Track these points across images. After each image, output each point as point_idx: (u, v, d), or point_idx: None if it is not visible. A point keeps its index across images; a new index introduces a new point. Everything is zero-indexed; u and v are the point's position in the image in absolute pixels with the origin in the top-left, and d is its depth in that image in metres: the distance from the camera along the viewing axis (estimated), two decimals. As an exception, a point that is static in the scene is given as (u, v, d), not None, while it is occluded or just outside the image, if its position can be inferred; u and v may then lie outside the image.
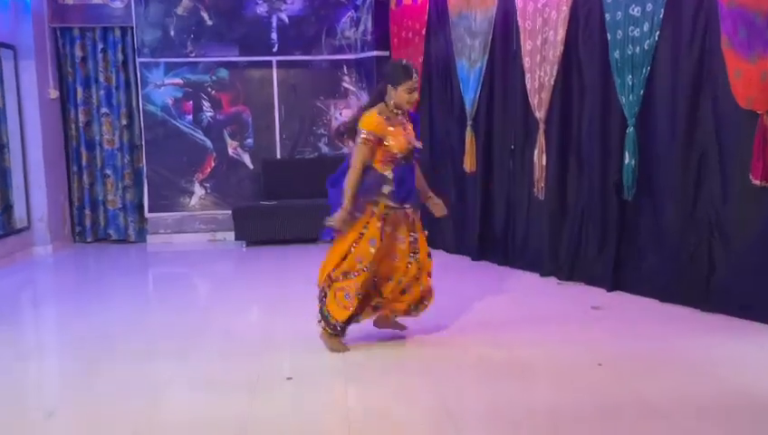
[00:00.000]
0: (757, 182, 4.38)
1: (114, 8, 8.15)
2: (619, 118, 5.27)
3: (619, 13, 5.18)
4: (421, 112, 7.46)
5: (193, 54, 8.27)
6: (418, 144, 4.15)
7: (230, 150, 8.46)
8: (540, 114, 5.87)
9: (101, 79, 8.31)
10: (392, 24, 7.80)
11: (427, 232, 4.40)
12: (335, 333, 4.17)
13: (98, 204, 8.48)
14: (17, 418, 3.50)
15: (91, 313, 5.37)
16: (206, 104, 8.37)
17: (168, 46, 8.21)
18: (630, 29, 5.10)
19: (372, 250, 4.01)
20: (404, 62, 4.22)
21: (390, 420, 3.33)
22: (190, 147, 8.37)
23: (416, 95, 4.11)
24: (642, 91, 5.06)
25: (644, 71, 5.03)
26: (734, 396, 3.45)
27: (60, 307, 5.80)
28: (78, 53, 8.24)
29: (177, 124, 8.34)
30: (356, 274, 4.04)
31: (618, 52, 5.20)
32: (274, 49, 8.36)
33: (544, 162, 5.89)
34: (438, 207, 4.41)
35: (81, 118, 8.33)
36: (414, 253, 4.20)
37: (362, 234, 4.02)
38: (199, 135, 8.39)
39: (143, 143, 8.34)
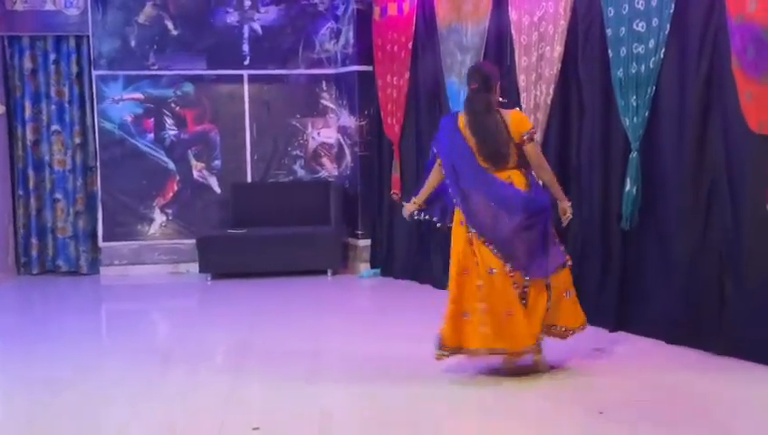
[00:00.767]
0: (772, 212, 4.44)
1: (69, 15, 8.20)
2: (622, 142, 5.34)
3: (623, 28, 5.27)
4: (408, 134, 7.58)
5: (155, 67, 8.31)
6: None
7: (195, 173, 8.48)
8: (536, 137, 5.93)
9: (53, 93, 8.32)
10: (376, 37, 7.89)
11: None
12: None
13: (46, 231, 8.45)
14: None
15: (36, 355, 5.33)
16: (169, 122, 8.40)
17: (127, 58, 8.24)
18: (634, 46, 5.19)
19: None
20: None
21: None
22: (151, 169, 8.38)
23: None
24: (647, 113, 5.13)
25: (649, 90, 5.11)
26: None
27: (2, 349, 5.76)
28: (27, 64, 8.26)
29: (137, 144, 8.36)
30: None
31: (621, 70, 5.28)
32: (246, 62, 8.42)
33: (541, 189, 5.95)
34: None
35: (30, 136, 8.33)
36: None
37: None
38: (161, 156, 8.40)
39: (98, 164, 8.32)
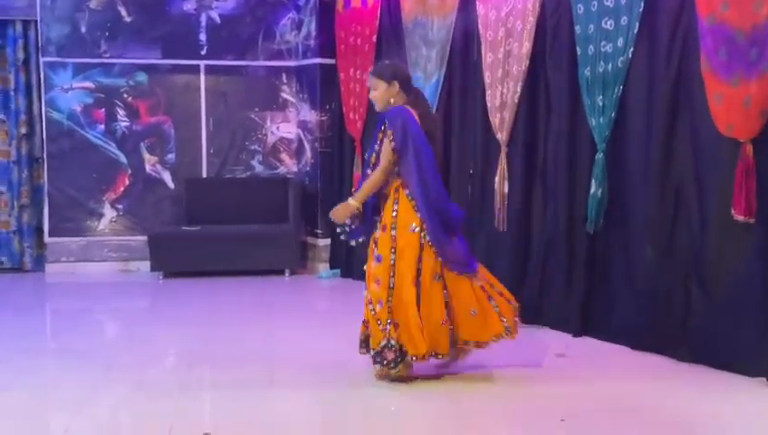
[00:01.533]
0: (740, 217, 4.45)
1: (15, -2, 8.08)
2: (589, 142, 5.37)
3: (591, 26, 5.29)
4: (371, 130, 7.52)
5: (107, 55, 8.21)
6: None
7: (148, 167, 8.39)
8: (502, 136, 5.96)
9: (-3, 80, 8.19)
10: (338, 29, 7.86)
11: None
12: None
13: (-12, 226, 8.32)
14: None
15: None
16: (121, 113, 8.30)
17: (78, 44, 8.14)
18: (602, 44, 5.22)
19: None
20: None
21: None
22: (101, 162, 8.28)
23: (370, 95, 4.56)
24: (613, 114, 5.17)
25: (616, 90, 5.14)
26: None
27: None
28: (-31, 49, 8.13)
29: (87, 135, 8.25)
30: None
31: (588, 68, 5.32)
32: (203, 52, 8.36)
33: (506, 190, 5.97)
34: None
35: (-28, 125, 8.20)
36: None
37: None
38: (112, 148, 8.30)
39: (45, 156, 8.22)
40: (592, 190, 5.28)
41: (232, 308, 6.73)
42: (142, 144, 8.36)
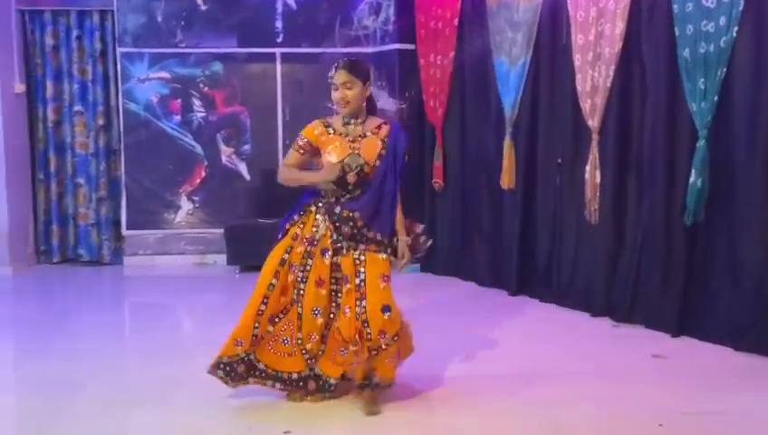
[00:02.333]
0: None
1: (92, -11, 8.29)
2: (689, 129, 5.25)
3: (690, 4, 5.17)
4: (452, 118, 7.51)
5: (183, 44, 8.35)
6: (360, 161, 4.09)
7: (224, 158, 8.51)
8: (593, 122, 5.87)
9: (75, 71, 8.41)
10: (418, 13, 7.84)
11: None
12: None
13: (67, 218, 8.56)
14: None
15: (54, 351, 5.38)
16: (197, 103, 8.44)
17: (154, 34, 8.30)
18: (703, 23, 5.09)
19: None
20: None
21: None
22: (177, 153, 8.44)
23: (339, 94, 4.07)
24: (716, 98, 5.03)
25: (719, 73, 5.00)
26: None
27: (17, 344, 5.82)
28: (49, 40, 8.36)
29: (163, 126, 8.41)
30: None
31: (687, 50, 5.19)
32: (279, 39, 8.42)
33: (598, 180, 5.89)
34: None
35: (51, 116, 8.44)
36: None
37: None
38: (188, 139, 8.45)
39: (122, 148, 8.41)
40: (692, 180, 5.15)
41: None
42: (218, 135, 8.48)
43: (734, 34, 4.92)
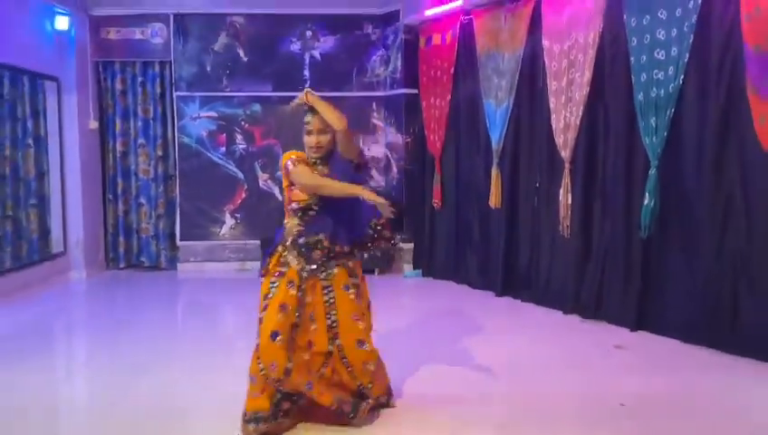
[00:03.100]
0: (783, 226, 4.33)
1: (154, 44, 8.32)
2: (643, 159, 5.23)
3: (644, 57, 5.18)
4: (448, 150, 7.52)
5: (228, 89, 8.39)
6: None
7: (261, 182, 8.53)
8: (565, 153, 5.86)
9: (139, 111, 8.44)
10: (421, 64, 7.85)
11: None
12: None
13: (131, 231, 8.57)
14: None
15: (122, 341, 5.41)
16: (238, 137, 8.46)
17: (204, 81, 8.34)
18: (655, 72, 5.10)
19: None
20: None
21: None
22: (222, 178, 8.46)
23: (315, 139, 3.50)
24: (666, 133, 5.02)
25: (668, 113, 5.00)
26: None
27: (91, 336, 5.84)
28: (118, 86, 8.40)
29: (211, 156, 8.44)
30: None
31: (642, 94, 5.19)
32: (306, 85, 8.44)
33: (569, 201, 5.86)
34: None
35: (119, 148, 8.46)
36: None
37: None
38: (231, 167, 8.48)
39: (177, 174, 8.44)
40: (646, 202, 5.13)
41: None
42: (256, 163, 8.50)
43: (681, 82, 4.93)
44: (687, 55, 4.86)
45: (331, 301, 3.50)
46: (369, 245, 3.65)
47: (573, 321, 5.76)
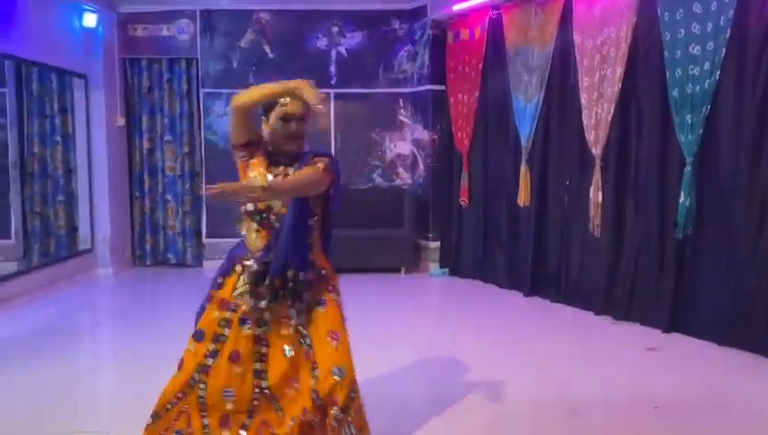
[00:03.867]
0: (823, 225, 4.25)
1: (181, 40, 8.38)
2: (678, 156, 5.19)
3: (678, 51, 5.12)
4: (476, 147, 7.48)
5: (254, 85, 8.40)
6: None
7: (286, 179, 8.54)
8: (596, 150, 5.81)
9: (166, 108, 8.49)
10: (449, 59, 7.83)
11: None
12: None
13: (158, 228, 8.64)
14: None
15: (147, 335, 5.45)
16: (264, 134, 8.49)
17: (230, 77, 8.38)
18: (690, 67, 5.04)
19: None
20: None
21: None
22: (248, 175, 8.48)
23: (293, 126, 2.77)
24: (701, 131, 4.97)
25: (704, 109, 4.95)
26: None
27: (117, 330, 5.91)
28: (145, 83, 8.46)
29: (237, 153, 8.46)
30: None
31: (677, 90, 5.14)
32: (333, 81, 8.47)
33: (600, 199, 5.82)
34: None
35: (146, 145, 8.53)
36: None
37: None
38: (257, 164, 8.49)
39: (203, 171, 8.48)
40: (681, 200, 5.08)
41: (356, 300, 6.74)
42: (282, 160, 8.50)
43: (717, 77, 4.87)
44: (724, 50, 4.80)
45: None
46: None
47: (605, 322, 5.72)
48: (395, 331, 5.53)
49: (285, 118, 2.76)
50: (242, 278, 2.84)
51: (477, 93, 7.34)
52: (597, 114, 5.80)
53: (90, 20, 7.69)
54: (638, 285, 5.63)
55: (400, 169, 8.61)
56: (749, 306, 4.77)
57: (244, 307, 2.78)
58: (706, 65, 4.92)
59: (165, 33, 8.37)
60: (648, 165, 5.51)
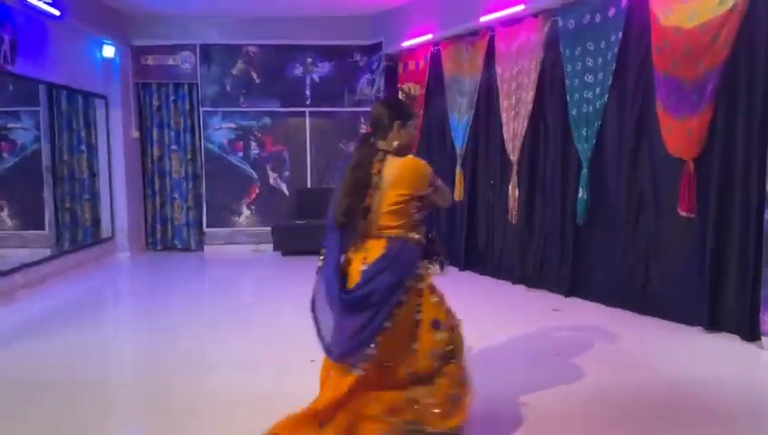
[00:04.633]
0: (684, 213, 4.40)
1: (183, 69, 8.26)
2: (576, 161, 5.29)
3: (576, 80, 5.23)
4: (421, 154, 7.52)
5: (244, 105, 8.36)
6: None
7: (271, 180, 8.52)
8: (514, 157, 5.91)
9: (172, 123, 8.37)
10: (399, 85, 7.86)
11: None
12: None
13: (167, 220, 8.52)
14: (95, 387, 3.55)
15: (158, 307, 5.42)
16: (253, 144, 8.44)
17: (224, 98, 8.29)
18: (585, 92, 5.15)
19: None
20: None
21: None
22: (240, 177, 8.43)
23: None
24: (594, 141, 5.09)
25: (596, 125, 5.07)
26: (665, 382, 3.46)
27: (134, 303, 5.86)
28: (155, 102, 8.33)
29: (231, 159, 8.41)
30: None
31: (575, 109, 5.25)
32: (308, 102, 8.45)
33: (517, 195, 5.91)
34: None
35: (156, 153, 8.40)
36: None
37: None
38: (247, 168, 8.46)
39: (203, 174, 8.39)
40: (579, 195, 5.21)
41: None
42: (267, 165, 8.48)
43: (605, 100, 4.98)
44: (611, 79, 4.92)
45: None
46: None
47: (520, 289, 5.83)
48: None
49: (415, 127, 2.70)
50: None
51: (422, 112, 7.38)
52: (514, 129, 5.89)
53: (108, 51, 7.55)
54: (546, 260, 5.75)
55: (362, 172, 8.61)
56: (628, 276, 4.91)
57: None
58: (597, 90, 5.04)
59: (171, 62, 8.24)
60: (553, 168, 5.61)
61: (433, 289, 2.60)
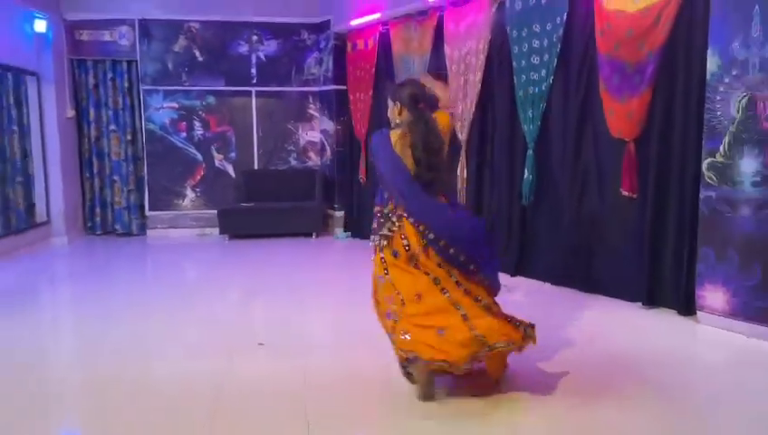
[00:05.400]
0: (626, 193, 4.55)
1: (122, 45, 7.99)
2: (522, 142, 5.39)
3: (523, 61, 5.32)
4: (371, 134, 7.54)
5: (187, 83, 8.16)
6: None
7: (216, 162, 8.38)
8: (462, 137, 5.98)
9: (110, 102, 8.11)
10: (348, 64, 7.83)
11: None
12: None
13: (106, 204, 8.29)
14: (28, 385, 3.45)
15: (99, 290, 5.28)
16: (197, 124, 8.27)
17: (166, 76, 8.08)
18: (531, 74, 5.24)
19: None
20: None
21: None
22: (184, 159, 8.26)
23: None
24: (539, 123, 5.19)
25: (541, 106, 5.16)
26: (605, 356, 3.60)
27: (74, 289, 5.68)
28: (91, 80, 8.05)
29: (173, 140, 8.22)
30: None
31: (521, 91, 5.33)
32: (254, 81, 8.32)
33: (465, 175, 5.99)
34: None
35: (93, 134, 8.13)
36: None
37: None
38: (191, 149, 8.29)
39: (144, 155, 8.19)
40: (525, 176, 5.32)
41: (277, 258, 6.78)
42: (212, 146, 8.33)
43: (551, 82, 5.08)
44: (556, 61, 5.02)
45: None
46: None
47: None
48: (309, 282, 5.60)
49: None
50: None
51: (371, 92, 7.39)
52: (462, 110, 5.95)
53: (40, 26, 7.21)
54: (494, 240, 5.86)
55: (311, 153, 8.60)
56: (572, 255, 5.06)
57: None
58: (543, 72, 5.14)
59: (107, 38, 7.96)
60: (500, 149, 5.70)
61: None
